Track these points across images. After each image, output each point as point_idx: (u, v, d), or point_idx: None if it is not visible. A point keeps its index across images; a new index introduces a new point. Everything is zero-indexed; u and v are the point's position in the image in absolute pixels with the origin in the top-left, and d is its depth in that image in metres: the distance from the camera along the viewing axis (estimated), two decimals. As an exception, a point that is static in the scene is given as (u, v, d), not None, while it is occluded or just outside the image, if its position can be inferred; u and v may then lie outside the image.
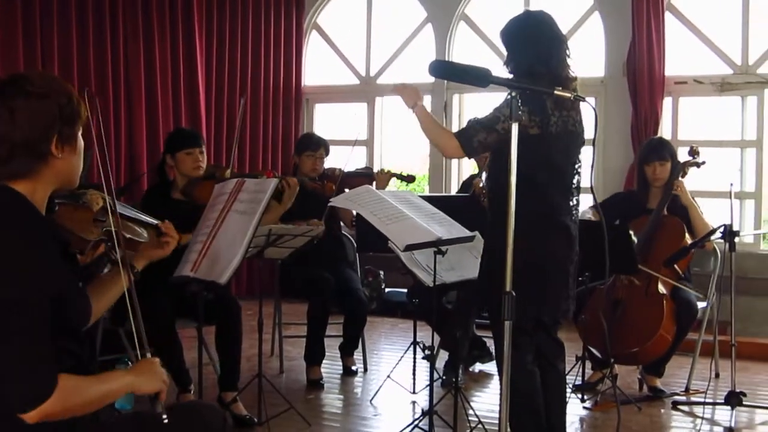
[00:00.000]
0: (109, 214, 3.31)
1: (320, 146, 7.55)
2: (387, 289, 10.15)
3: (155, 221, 3.77)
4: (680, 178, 6.94)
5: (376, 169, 7.72)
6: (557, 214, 4.71)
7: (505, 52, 4.91)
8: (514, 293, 3.57)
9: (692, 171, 7.06)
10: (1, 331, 2.67)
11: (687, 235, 6.74)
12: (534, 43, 4.74)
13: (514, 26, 4.89)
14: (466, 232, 5.42)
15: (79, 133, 3.03)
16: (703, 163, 6.99)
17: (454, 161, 10.64)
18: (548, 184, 4.68)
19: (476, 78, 3.57)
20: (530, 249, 4.42)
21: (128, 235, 3.54)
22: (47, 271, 2.81)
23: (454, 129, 10.25)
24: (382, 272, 10.12)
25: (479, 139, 4.67)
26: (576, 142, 4.76)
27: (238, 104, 10.19)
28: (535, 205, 4.57)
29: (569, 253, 4.77)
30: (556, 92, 3.62)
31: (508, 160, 3.93)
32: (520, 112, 3.64)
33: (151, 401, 3.03)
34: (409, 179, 7.54)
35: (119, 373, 3.05)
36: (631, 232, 6.53)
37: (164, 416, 3.01)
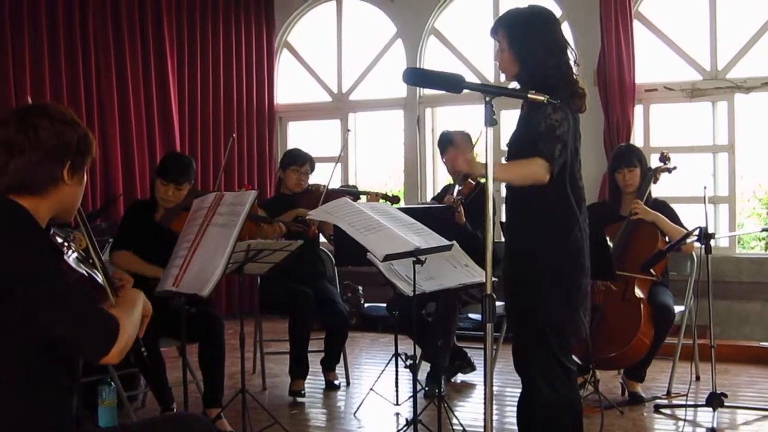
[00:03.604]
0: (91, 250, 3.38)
1: (306, 162, 7.57)
2: (366, 304, 10.14)
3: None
4: (652, 184, 6.98)
5: (355, 185, 7.73)
6: (580, 220, 4.53)
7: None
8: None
9: (665, 177, 7.10)
10: (56, 296, 2.86)
11: (661, 239, 6.77)
12: (550, 49, 4.49)
13: (522, 23, 4.57)
14: (444, 242, 5.43)
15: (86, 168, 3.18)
16: (674, 168, 7.03)
17: (429, 176, 10.69)
18: (576, 190, 4.51)
19: (450, 84, 3.59)
20: (569, 253, 4.44)
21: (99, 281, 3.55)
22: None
23: (429, 142, 10.43)
24: (360, 287, 10.13)
25: (561, 154, 4.35)
26: (578, 149, 4.56)
27: (214, 130, 10.26)
28: (570, 212, 4.46)
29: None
30: (529, 96, 3.64)
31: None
32: (494, 117, 3.63)
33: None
34: (395, 200, 7.56)
35: (132, 296, 3.24)
36: (608, 239, 6.58)
37: (143, 349, 3.32)
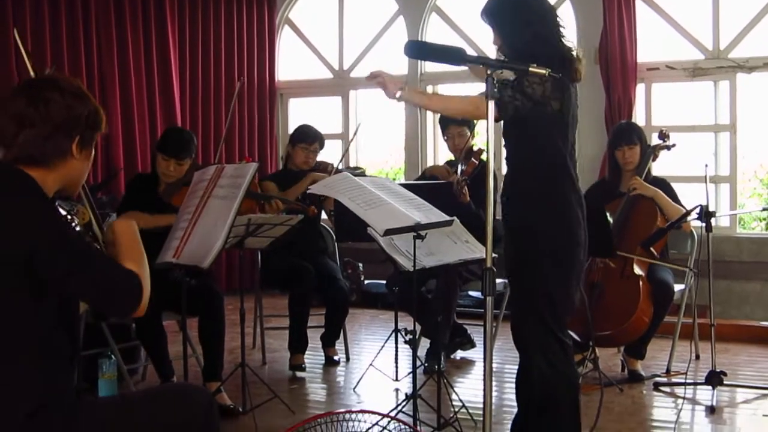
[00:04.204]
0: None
1: (316, 140, 7.53)
2: (366, 281, 10.16)
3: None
4: (651, 161, 6.98)
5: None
6: (579, 192, 4.51)
7: (487, 36, 4.63)
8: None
9: (665, 155, 7.11)
10: (84, 261, 2.94)
11: (660, 216, 6.77)
12: (527, 20, 4.41)
13: (499, 2, 4.54)
14: (445, 217, 5.43)
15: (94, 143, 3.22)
16: (674, 145, 7.04)
17: (430, 153, 10.68)
18: (570, 160, 4.46)
19: (451, 56, 3.59)
20: (570, 233, 4.41)
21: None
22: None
23: (429, 119, 10.40)
24: (360, 264, 10.13)
25: (512, 101, 4.25)
26: (577, 118, 4.53)
27: (214, 99, 10.28)
28: (569, 187, 4.43)
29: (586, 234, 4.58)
30: (530, 69, 3.63)
31: (533, 135, 3.96)
32: (496, 90, 3.61)
33: None
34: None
35: (123, 230, 3.25)
36: (608, 215, 6.58)
37: None
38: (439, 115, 7.91)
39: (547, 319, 4.42)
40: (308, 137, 7.51)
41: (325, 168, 7.50)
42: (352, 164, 10.35)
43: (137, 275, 3.03)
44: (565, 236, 4.41)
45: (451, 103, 4.59)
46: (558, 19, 4.54)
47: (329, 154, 7.73)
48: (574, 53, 4.48)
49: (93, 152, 3.22)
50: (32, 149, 3.01)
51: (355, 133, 9.17)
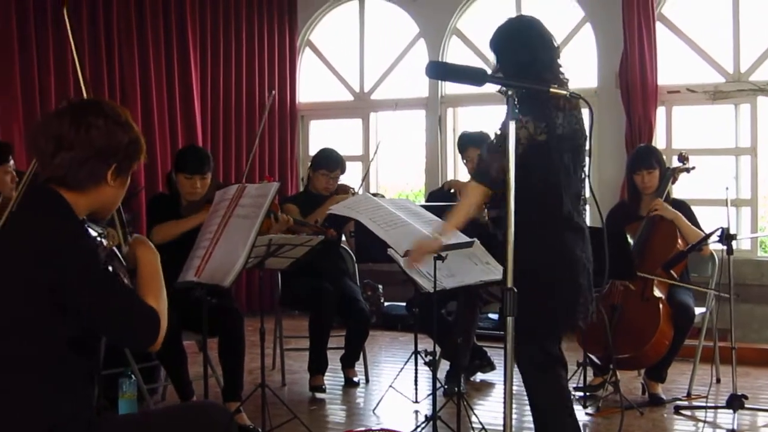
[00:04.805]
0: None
1: (337, 167, 7.51)
2: (386, 303, 10.15)
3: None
4: (671, 184, 6.97)
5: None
6: (575, 218, 4.58)
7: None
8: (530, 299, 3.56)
9: (685, 178, 7.10)
10: (104, 295, 2.96)
11: (680, 239, 6.76)
12: (522, 46, 4.60)
13: (502, 31, 4.77)
14: (465, 238, 5.42)
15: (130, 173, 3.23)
16: (693, 168, 7.03)
17: (450, 175, 10.66)
18: (564, 187, 4.54)
19: (472, 77, 3.58)
20: (552, 256, 4.46)
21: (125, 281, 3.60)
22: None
23: (450, 142, 10.41)
24: (380, 286, 10.13)
25: (495, 168, 4.44)
26: (582, 140, 4.63)
27: (237, 118, 10.30)
28: (556, 211, 4.50)
29: (588, 253, 4.63)
30: (551, 90, 3.64)
31: (528, 168, 3.98)
32: (519, 116, 3.64)
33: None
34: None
35: (148, 261, 3.28)
36: (629, 236, 6.57)
37: None
38: (458, 137, 7.95)
39: (533, 339, 4.43)
40: (330, 164, 7.49)
41: (346, 191, 7.48)
42: (372, 186, 10.38)
43: (156, 312, 3.05)
44: (544, 256, 4.44)
45: (467, 201, 4.70)
46: (556, 51, 4.69)
47: (350, 176, 7.73)
48: (565, 84, 4.61)
49: (128, 180, 3.23)
50: (67, 172, 3.02)
51: (375, 152, 9.18)
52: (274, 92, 9.02)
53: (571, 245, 4.51)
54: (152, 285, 3.17)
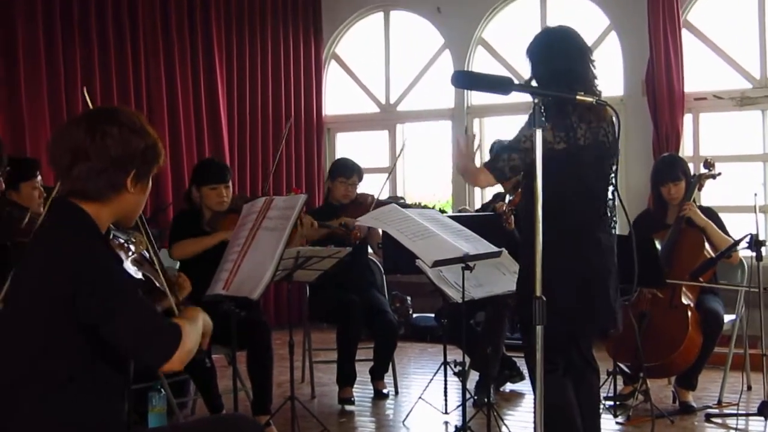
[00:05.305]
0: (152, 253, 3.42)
1: (354, 173, 7.52)
2: (414, 315, 10.14)
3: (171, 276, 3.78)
4: (697, 191, 6.95)
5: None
6: (587, 229, 4.61)
7: (528, 71, 4.86)
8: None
9: (712, 184, 7.06)
10: (119, 309, 2.90)
11: (707, 247, 6.73)
12: (558, 56, 4.69)
13: (539, 39, 4.86)
14: (493, 248, 5.43)
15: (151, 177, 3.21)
16: (719, 174, 6.99)
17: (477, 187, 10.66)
18: (578, 199, 4.58)
19: (498, 85, 3.59)
20: (559, 266, 4.39)
21: (157, 284, 3.58)
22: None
23: (478, 155, 10.42)
24: (409, 298, 10.13)
25: (507, 163, 4.60)
26: (608, 152, 4.63)
27: (262, 132, 10.34)
28: (565, 222, 4.49)
29: (605, 263, 4.66)
30: (577, 98, 3.64)
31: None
32: (544, 122, 3.65)
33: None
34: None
35: (192, 313, 3.23)
36: (657, 242, 6.55)
37: (206, 360, 3.22)
38: (488, 146, 7.99)
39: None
40: (346, 171, 7.53)
41: (365, 200, 7.49)
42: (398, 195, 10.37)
43: (179, 328, 2.99)
44: (559, 282, 4.41)
45: (471, 176, 4.88)
46: (590, 61, 4.76)
47: (376, 187, 7.74)
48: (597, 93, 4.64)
49: (150, 185, 3.22)
50: (86, 184, 3.02)
51: (400, 151, 9.19)
52: (290, 120, 9.01)
53: (570, 255, 4.52)
54: (188, 316, 3.18)
